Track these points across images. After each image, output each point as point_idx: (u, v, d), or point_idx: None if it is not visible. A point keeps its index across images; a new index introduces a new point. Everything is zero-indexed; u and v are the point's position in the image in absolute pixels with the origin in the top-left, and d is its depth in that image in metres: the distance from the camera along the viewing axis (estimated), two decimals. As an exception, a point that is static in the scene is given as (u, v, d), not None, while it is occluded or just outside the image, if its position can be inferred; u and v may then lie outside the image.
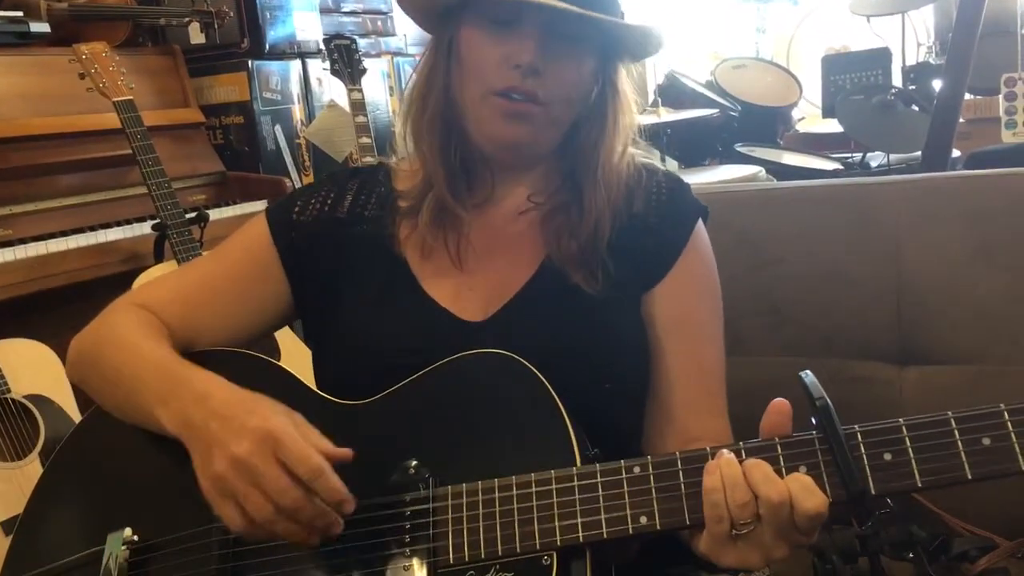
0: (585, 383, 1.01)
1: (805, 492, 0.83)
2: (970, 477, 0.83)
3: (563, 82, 1.05)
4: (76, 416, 2.09)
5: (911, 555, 1.22)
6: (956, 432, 0.84)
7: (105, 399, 1.10)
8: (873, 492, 0.84)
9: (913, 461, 0.84)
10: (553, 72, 1.04)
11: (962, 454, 0.83)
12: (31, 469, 1.99)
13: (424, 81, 1.11)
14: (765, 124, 3.99)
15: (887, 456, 0.84)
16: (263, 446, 0.89)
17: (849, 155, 3.58)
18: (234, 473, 0.89)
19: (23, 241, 2.43)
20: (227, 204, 3.01)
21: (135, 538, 1.02)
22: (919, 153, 3.17)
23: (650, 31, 1.09)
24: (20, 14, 2.71)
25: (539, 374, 0.96)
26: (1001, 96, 2.61)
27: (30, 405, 2.06)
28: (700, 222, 1.16)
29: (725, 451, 0.87)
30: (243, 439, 0.90)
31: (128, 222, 2.68)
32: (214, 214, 2.75)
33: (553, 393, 0.95)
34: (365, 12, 3.71)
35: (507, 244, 1.12)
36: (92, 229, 2.60)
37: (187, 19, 3.09)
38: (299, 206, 1.17)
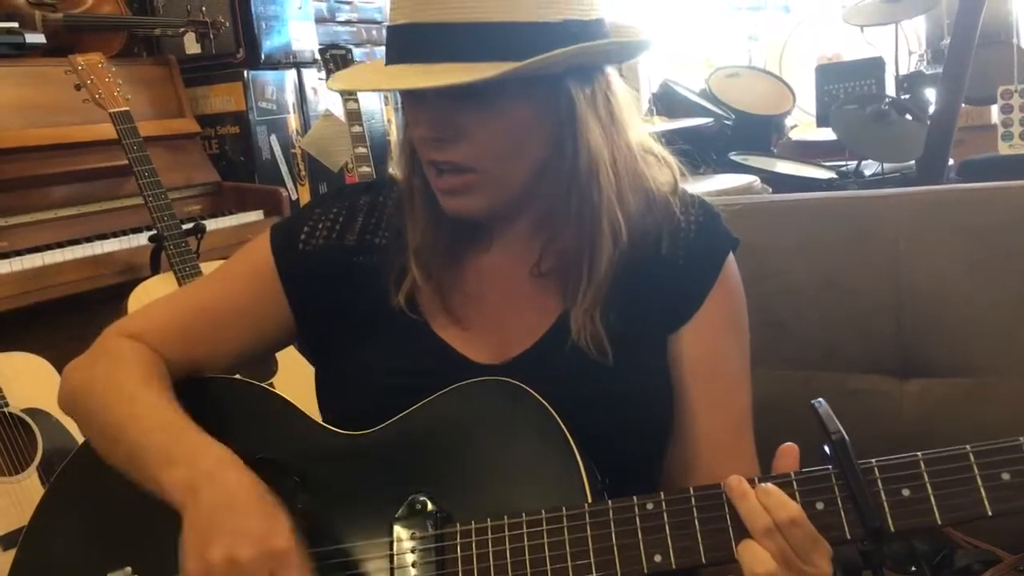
0: (604, 438, 0.97)
1: (778, 506, 0.84)
2: (990, 513, 0.81)
3: (482, 142, 0.95)
4: (74, 430, 2.07)
5: (914, 568, 1.23)
6: (975, 467, 0.82)
7: (100, 448, 1.06)
8: (892, 529, 0.83)
9: (932, 497, 0.82)
10: (468, 134, 0.94)
11: (981, 489, 0.81)
12: (29, 483, 1.97)
13: (401, 149, 1.06)
14: (759, 132, 4.00)
15: (905, 492, 0.83)
16: (267, 562, 0.88)
17: (843, 163, 3.60)
18: (227, 570, 0.88)
19: (19, 253, 2.41)
20: (223, 214, 2.99)
21: None
22: (913, 162, 3.19)
23: (574, 53, 0.91)
24: (15, 25, 2.70)
25: (545, 402, 0.93)
26: (997, 108, 2.62)
27: (28, 419, 2.04)
28: (730, 256, 1.09)
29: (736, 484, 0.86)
30: (251, 545, 0.88)
31: (124, 233, 2.67)
32: (210, 224, 2.74)
33: (560, 422, 0.92)
34: (360, 21, 3.71)
35: (521, 295, 1.06)
36: (88, 240, 2.57)
37: (182, 29, 3.08)
38: (306, 231, 1.10)
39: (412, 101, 0.97)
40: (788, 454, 0.88)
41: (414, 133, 0.99)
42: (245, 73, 3.18)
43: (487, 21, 0.89)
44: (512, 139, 0.96)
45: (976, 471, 0.82)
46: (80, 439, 2.07)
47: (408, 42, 0.92)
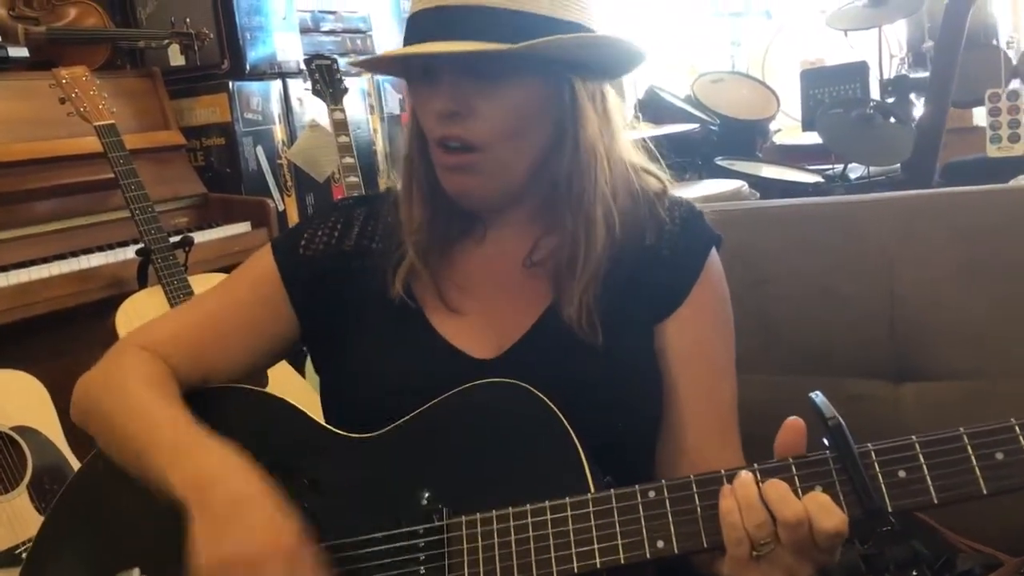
0: (597, 423, 0.99)
1: (823, 511, 0.83)
2: (985, 492, 0.83)
3: (493, 119, 1.00)
4: (64, 447, 2.05)
5: (915, 573, 1.23)
6: (969, 448, 0.84)
7: (111, 451, 1.08)
8: (890, 509, 0.85)
9: (928, 478, 0.84)
10: (480, 112, 1.00)
11: (976, 469, 0.83)
12: (19, 502, 1.95)
13: (407, 134, 1.12)
14: (744, 137, 4.02)
15: (902, 473, 0.85)
16: (280, 559, 0.89)
17: (829, 167, 3.61)
18: (240, 568, 0.89)
19: (4, 269, 2.39)
20: (209, 226, 2.98)
21: None
22: (898, 165, 3.21)
23: (583, 41, 1.00)
24: (-2, 39, 2.69)
25: (549, 402, 0.95)
26: (985, 111, 2.64)
27: (16, 436, 2.01)
28: (714, 251, 1.13)
29: (742, 472, 0.87)
30: (262, 543, 0.90)
31: (111, 247, 2.65)
32: (197, 237, 2.72)
33: (564, 421, 0.94)
34: (345, 31, 3.71)
35: (513, 286, 1.10)
36: (74, 255, 2.56)
37: (167, 41, 3.07)
38: (306, 238, 1.15)
39: (428, 79, 1.02)
40: (793, 428, 0.88)
41: (428, 108, 1.03)
42: (230, 84, 3.17)
43: (508, 8, 0.97)
44: (519, 121, 1.02)
45: (971, 451, 0.84)
46: (70, 457, 2.06)
47: (433, 23, 0.99)
